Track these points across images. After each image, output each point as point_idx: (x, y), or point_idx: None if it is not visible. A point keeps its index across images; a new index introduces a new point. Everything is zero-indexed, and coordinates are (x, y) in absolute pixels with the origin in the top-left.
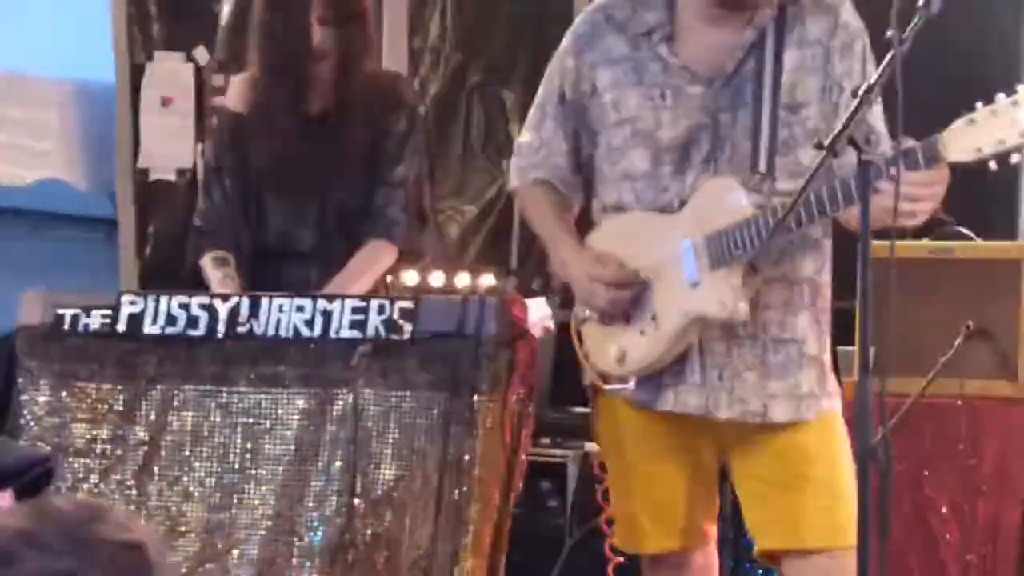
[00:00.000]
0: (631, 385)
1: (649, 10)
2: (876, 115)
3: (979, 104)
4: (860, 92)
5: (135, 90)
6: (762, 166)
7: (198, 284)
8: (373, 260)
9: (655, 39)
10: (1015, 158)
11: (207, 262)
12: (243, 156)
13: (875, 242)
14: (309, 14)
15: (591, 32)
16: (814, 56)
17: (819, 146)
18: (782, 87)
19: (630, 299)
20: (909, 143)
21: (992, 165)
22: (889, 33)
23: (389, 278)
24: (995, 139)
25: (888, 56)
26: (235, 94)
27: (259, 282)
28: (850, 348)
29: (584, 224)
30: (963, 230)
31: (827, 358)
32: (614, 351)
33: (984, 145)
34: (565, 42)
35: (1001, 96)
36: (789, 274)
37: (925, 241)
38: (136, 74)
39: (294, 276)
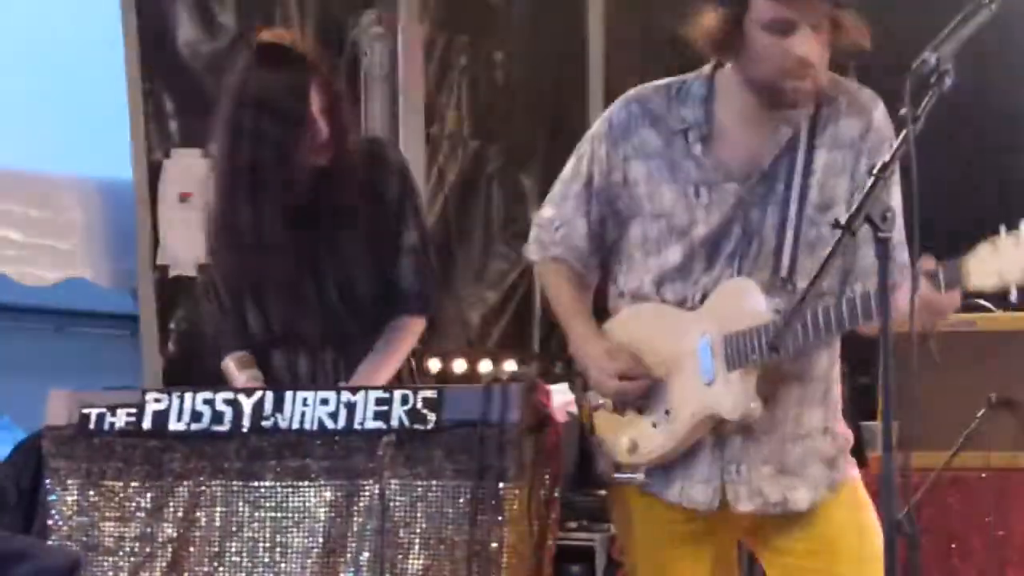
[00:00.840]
0: (640, 476)
1: (686, 105)
2: (893, 195)
3: (1002, 230)
4: (875, 170)
5: (153, 187)
6: (785, 265)
7: (220, 380)
8: (400, 338)
9: (691, 138)
10: None
11: (230, 365)
12: (234, 252)
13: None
14: (307, 113)
15: (627, 123)
16: (845, 157)
17: (836, 224)
18: (812, 187)
19: (638, 393)
20: (931, 265)
21: (1013, 294)
22: (902, 111)
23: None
24: (1018, 268)
25: (902, 134)
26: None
27: (277, 371)
28: (874, 423)
29: (598, 306)
30: (983, 302)
31: (837, 449)
32: (625, 442)
33: (1007, 273)
34: (600, 127)
35: None
36: (805, 372)
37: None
38: (154, 171)
39: (309, 361)
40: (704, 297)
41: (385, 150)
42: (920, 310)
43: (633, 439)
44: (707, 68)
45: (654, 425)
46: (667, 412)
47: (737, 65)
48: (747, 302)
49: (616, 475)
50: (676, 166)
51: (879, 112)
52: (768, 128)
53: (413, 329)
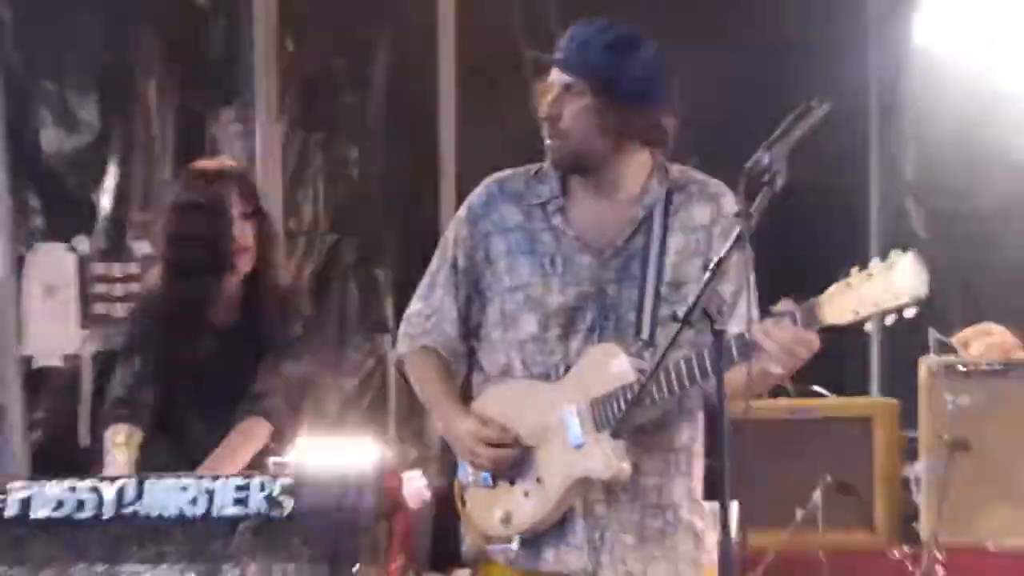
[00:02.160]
0: (514, 546)
1: (543, 183)
2: (732, 290)
3: (854, 269)
4: (712, 266)
5: (18, 280)
6: (644, 336)
7: (83, 467)
8: (248, 435)
9: (549, 209)
10: (889, 320)
11: (116, 436)
12: (157, 351)
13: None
14: (228, 214)
15: (486, 202)
16: (697, 241)
17: (674, 318)
18: (667, 267)
19: (512, 458)
20: (788, 307)
21: (868, 327)
22: (736, 209)
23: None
24: (871, 302)
25: (735, 231)
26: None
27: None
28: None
29: (466, 395)
30: (818, 389)
31: (701, 524)
32: (499, 513)
33: (860, 308)
34: (461, 211)
35: (875, 260)
36: (667, 443)
37: (783, 401)
38: (19, 264)
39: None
40: (566, 369)
41: (299, 298)
42: (781, 351)
43: (507, 510)
44: None
45: (526, 494)
46: (538, 480)
47: None
48: (612, 365)
49: (489, 547)
50: (535, 238)
51: (727, 199)
52: (621, 207)
53: (262, 432)
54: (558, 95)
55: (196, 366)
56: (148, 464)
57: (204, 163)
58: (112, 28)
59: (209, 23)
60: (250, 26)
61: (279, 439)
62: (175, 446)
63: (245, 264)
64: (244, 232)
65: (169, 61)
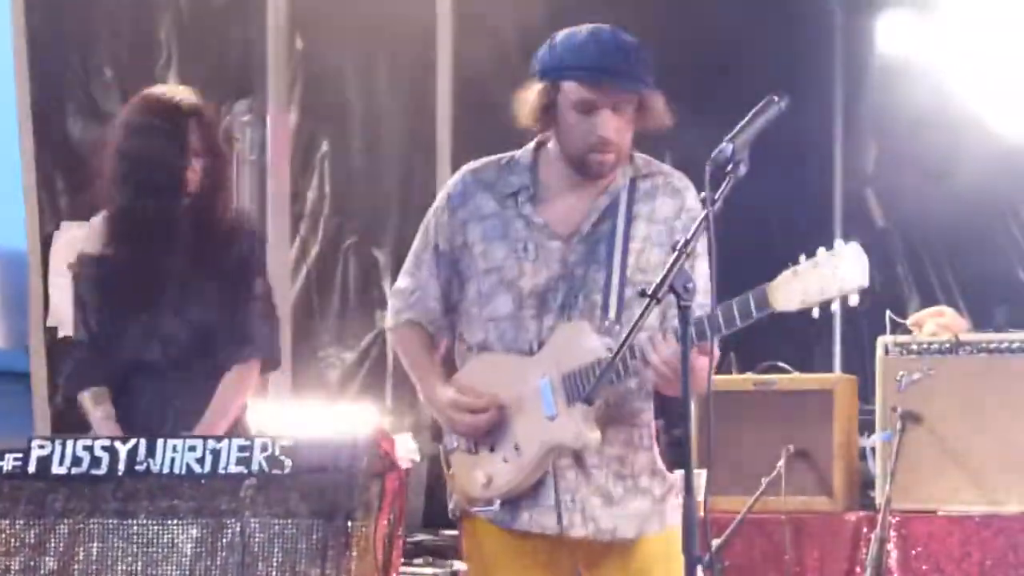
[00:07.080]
0: (496, 507)
1: (514, 173)
2: (700, 273)
3: (802, 257)
4: (679, 246)
5: (45, 256)
6: (611, 316)
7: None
8: (239, 386)
9: (520, 199)
10: (835, 306)
11: (86, 399)
12: (103, 289)
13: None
14: (186, 150)
15: (463, 192)
16: (659, 232)
17: (643, 294)
18: (631, 253)
19: (487, 424)
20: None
21: (815, 312)
22: (702, 195)
23: None
24: (817, 289)
25: (702, 215)
26: (94, 236)
27: (123, 400)
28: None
29: (449, 363)
30: (782, 364)
31: (665, 488)
32: (481, 476)
33: (808, 295)
34: (439, 200)
35: (821, 250)
36: (629, 418)
37: (749, 375)
38: (46, 242)
39: (152, 391)
40: (541, 344)
41: (241, 216)
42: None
43: (488, 474)
44: (532, 144)
45: (505, 460)
46: (516, 447)
47: (555, 137)
48: (582, 342)
49: (473, 508)
50: (508, 225)
51: (691, 194)
52: (588, 195)
53: (250, 374)
54: (623, 122)
55: (151, 299)
56: (127, 410)
57: (161, 91)
58: (135, 25)
59: (226, 22)
60: (263, 25)
61: (269, 359)
62: (148, 386)
63: (193, 189)
64: (197, 164)
65: (189, 56)
